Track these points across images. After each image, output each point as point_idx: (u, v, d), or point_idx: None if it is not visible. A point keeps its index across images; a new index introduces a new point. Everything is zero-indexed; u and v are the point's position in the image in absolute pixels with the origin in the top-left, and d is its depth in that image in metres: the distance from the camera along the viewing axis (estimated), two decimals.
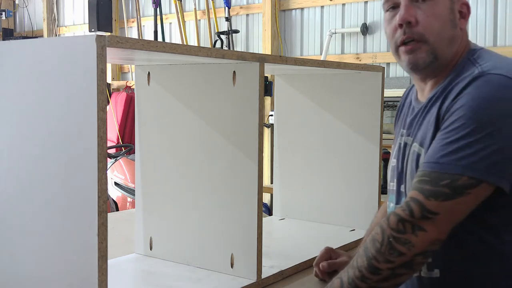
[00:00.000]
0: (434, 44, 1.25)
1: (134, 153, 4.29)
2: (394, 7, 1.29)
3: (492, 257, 1.20)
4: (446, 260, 1.22)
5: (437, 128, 1.20)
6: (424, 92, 1.34)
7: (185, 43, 6.11)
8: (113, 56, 1.42)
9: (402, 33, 1.26)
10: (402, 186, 1.35)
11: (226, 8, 5.67)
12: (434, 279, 1.26)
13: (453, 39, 1.27)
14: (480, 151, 1.10)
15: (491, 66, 1.19)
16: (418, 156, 1.25)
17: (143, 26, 6.85)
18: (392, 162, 1.42)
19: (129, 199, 4.85)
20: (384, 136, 2.13)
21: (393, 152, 1.44)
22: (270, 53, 5.43)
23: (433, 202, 1.12)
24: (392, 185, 1.41)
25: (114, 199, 5.00)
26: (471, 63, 1.23)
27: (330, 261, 1.56)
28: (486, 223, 1.19)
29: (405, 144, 1.35)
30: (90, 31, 6.47)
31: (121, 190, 4.95)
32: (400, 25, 1.26)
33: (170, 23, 6.68)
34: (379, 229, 1.17)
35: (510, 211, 1.19)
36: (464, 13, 1.30)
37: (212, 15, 5.95)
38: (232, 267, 1.58)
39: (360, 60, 5.07)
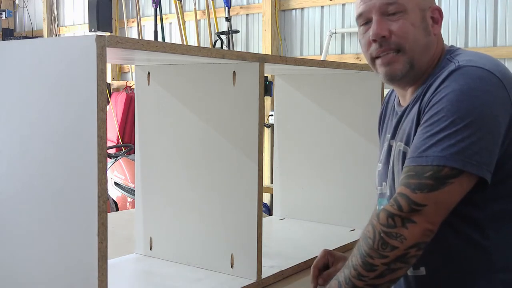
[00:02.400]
0: (411, 52, 1.28)
1: (134, 153, 4.29)
2: (367, 22, 1.32)
3: (477, 253, 1.21)
4: (431, 258, 1.24)
5: (418, 123, 1.22)
6: (405, 97, 1.37)
7: (185, 43, 6.11)
8: (113, 56, 1.42)
9: (378, 46, 1.29)
10: (392, 188, 1.36)
11: (226, 8, 5.67)
12: (420, 277, 1.27)
13: (428, 46, 1.30)
14: (460, 142, 1.12)
15: (468, 60, 1.22)
16: (404, 154, 1.27)
17: (143, 26, 6.85)
18: (378, 166, 1.44)
19: (129, 199, 4.85)
20: None
21: (379, 157, 1.45)
22: (270, 53, 5.43)
23: (419, 195, 1.13)
24: (380, 189, 1.43)
25: (114, 199, 5.00)
26: (448, 61, 1.26)
27: (325, 274, 1.53)
28: (471, 220, 1.21)
29: (390, 147, 1.36)
30: (90, 31, 6.47)
31: (121, 190, 4.95)
32: (374, 40, 1.29)
33: (170, 23, 6.68)
34: (370, 226, 1.18)
35: (495, 207, 1.20)
36: (436, 18, 1.31)
37: (212, 15, 5.95)
38: (232, 267, 1.58)
39: (360, 60, 5.07)
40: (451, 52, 1.30)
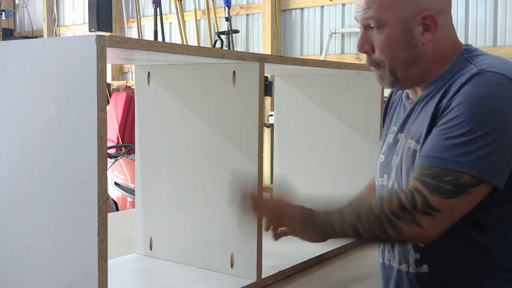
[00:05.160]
0: (391, 68, 1.30)
1: (134, 153, 4.29)
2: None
3: (481, 254, 1.21)
4: (434, 256, 1.24)
5: (433, 124, 1.21)
6: (416, 91, 1.35)
7: (185, 43, 6.11)
8: (113, 56, 1.42)
9: (367, 59, 1.34)
10: (395, 183, 1.35)
11: (226, 8, 5.67)
12: (422, 274, 1.27)
13: (412, 59, 1.28)
14: (478, 150, 1.11)
15: (489, 64, 1.20)
16: (415, 152, 1.26)
17: (143, 26, 6.85)
18: (380, 158, 1.43)
19: (129, 199, 4.85)
20: None
21: (382, 148, 1.44)
22: (270, 53, 5.43)
23: (436, 198, 1.12)
24: (381, 181, 1.41)
25: (114, 199, 5.00)
26: (467, 61, 1.24)
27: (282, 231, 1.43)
28: (476, 221, 1.21)
29: (397, 141, 1.35)
30: (90, 31, 6.47)
31: (121, 190, 4.95)
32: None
33: (170, 23, 6.68)
34: (379, 204, 1.18)
35: (501, 209, 1.20)
36: (429, 25, 1.27)
37: (212, 15, 5.95)
38: (232, 267, 1.58)
39: (360, 60, 5.07)
40: (469, 51, 1.28)
